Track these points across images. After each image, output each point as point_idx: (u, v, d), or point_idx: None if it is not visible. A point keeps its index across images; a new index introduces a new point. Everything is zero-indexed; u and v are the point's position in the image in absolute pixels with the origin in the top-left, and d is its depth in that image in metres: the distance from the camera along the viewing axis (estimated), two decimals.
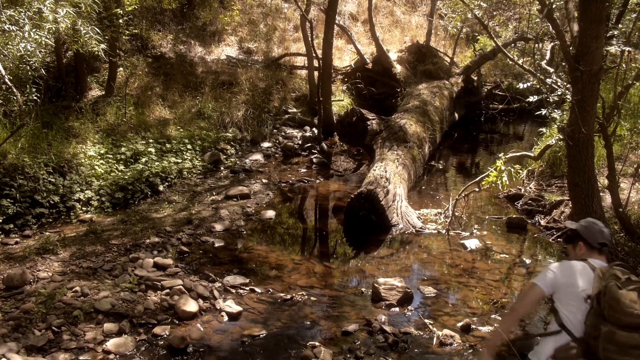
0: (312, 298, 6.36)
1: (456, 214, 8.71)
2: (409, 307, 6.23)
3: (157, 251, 7.28)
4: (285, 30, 17.91)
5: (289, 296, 6.35)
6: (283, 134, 13.35)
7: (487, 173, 8.32)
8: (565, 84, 6.52)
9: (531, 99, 7.22)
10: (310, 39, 13.58)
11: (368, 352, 5.33)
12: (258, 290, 6.49)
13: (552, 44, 12.40)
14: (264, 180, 10.52)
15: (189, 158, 10.75)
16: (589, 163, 5.94)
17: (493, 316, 6.04)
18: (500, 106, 16.00)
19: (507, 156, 8.20)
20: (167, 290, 6.21)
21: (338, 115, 13.28)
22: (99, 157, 9.50)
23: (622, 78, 6.65)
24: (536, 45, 8.37)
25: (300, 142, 12.93)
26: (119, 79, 12.19)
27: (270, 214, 8.90)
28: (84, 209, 8.51)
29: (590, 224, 3.46)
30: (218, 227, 8.25)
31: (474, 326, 5.81)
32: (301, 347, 5.39)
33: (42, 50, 7.29)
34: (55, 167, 8.61)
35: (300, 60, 16.23)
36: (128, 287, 6.15)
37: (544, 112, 6.84)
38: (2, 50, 6.45)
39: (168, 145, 10.81)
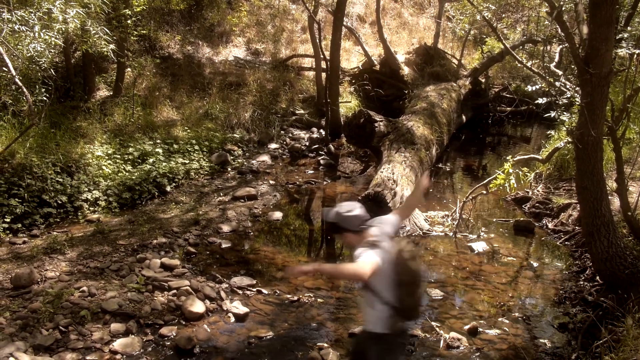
0: (318, 300, 6.36)
1: (463, 216, 8.69)
2: None
3: (164, 252, 7.30)
4: (293, 32, 17.92)
5: (295, 298, 6.34)
6: (290, 135, 13.36)
7: (494, 176, 8.30)
8: (574, 86, 6.49)
9: (540, 101, 7.18)
10: (318, 40, 13.59)
11: None
12: (265, 291, 6.49)
13: (560, 46, 12.36)
14: (271, 182, 10.52)
15: (197, 159, 10.76)
16: (598, 166, 5.89)
17: (500, 319, 6.02)
18: (509, 109, 15.96)
19: (514, 159, 8.17)
20: (174, 291, 6.22)
21: (345, 116, 13.26)
22: (106, 158, 9.53)
23: (631, 81, 6.61)
24: (545, 47, 8.33)
25: (307, 143, 12.93)
26: (126, 79, 12.22)
27: (278, 215, 8.90)
28: (91, 209, 8.54)
29: (342, 214, 3.67)
30: (225, 228, 8.26)
31: (481, 329, 5.79)
32: (308, 348, 5.39)
33: (52, 50, 7.31)
34: (63, 167, 8.64)
35: (308, 62, 16.23)
36: (135, 288, 6.16)
37: (552, 114, 6.80)
38: (12, 50, 6.48)
39: (175, 146, 10.83)
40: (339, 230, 3.71)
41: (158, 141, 10.73)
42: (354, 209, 3.71)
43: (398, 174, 9.13)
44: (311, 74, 15.77)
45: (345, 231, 3.68)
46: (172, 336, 5.44)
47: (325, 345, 5.43)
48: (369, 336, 3.70)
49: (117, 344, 5.20)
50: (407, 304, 3.59)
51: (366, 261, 3.36)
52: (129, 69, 12.11)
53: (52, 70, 7.96)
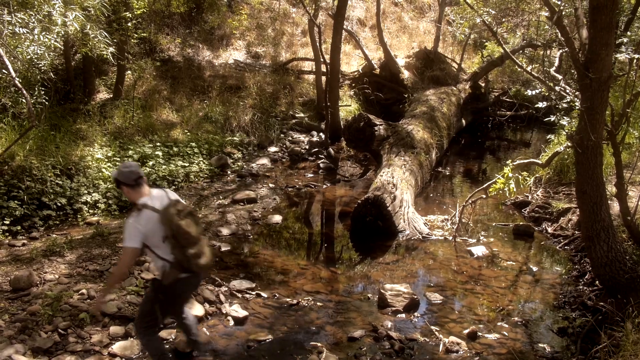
0: (318, 303, 6.35)
1: (463, 220, 8.69)
2: (415, 314, 6.21)
3: None
4: (293, 35, 17.95)
5: (295, 301, 6.34)
6: (290, 138, 13.37)
7: (494, 180, 8.29)
8: (574, 91, 6.50)
9: (540, 105, 7.18)
10: (318, 43, 13.60)
11: (374, 359, 5.31)
12: (264, 294, 6.48)
13: (560, 51, 12.37)
14: (270, 185, 10.52)
15: (196, 162, 10.76)
16: (598, 171, 5.89)
17: (499, 323, 6.01)
18: (508, 113, 15.97)
19: (514, 163, 8.17)
20: None
21: (345, 120, 13.27)
22: (106, 160, 9.53)
23: (631, 86, 6.62)
24: (545, 52, 8.35)
25: (307, 146, 12.94)
26: (127, 82, 12.23)
27: (277, 218, 8.90)
28: (90, 211, 8.53)
29: (121, 169, 4.32)
30: (225, 231, 8.25)
31: (480, 333, 5.78)
32: (307, 352, 5.38)
33: (51, 53, 7.31)
34: (62, 169, 8.63)
35: (308, 65, 16.25)
36: (134, 291, 6.14)
37: (552, 119, 6.81)
38: (12, 52, 6.48)
39: (175, 149, 10.83)
40: (119, 185, 4.34)
41: (158, 144, 10.73)
42: (131, 166, 4.34)
43: (398, 177, 9.14)
44: (311, 77, 15.78)
45: (123, 184, 4.29)
46: (171, 339, 5.43)
47: (324, 349, 5.41)
48: (153, 283, 4.54)
49: (116, 347, 5.18)
50: (180, 257, 4.21)
51: (122, 258, 4.28)
52: (129, 72, 12.12)
53: (52, 72, 7.97)
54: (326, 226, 9.25)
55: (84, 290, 5.99)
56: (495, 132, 16.22)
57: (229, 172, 11.01)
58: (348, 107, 14.69)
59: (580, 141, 5.82)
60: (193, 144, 11.21)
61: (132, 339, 5.36)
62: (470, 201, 8.66)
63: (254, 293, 6.50)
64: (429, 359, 5.39)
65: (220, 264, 7.28)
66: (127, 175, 4.27)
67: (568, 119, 7.45)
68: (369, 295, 6.62)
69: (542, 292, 6.89)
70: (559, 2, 6.45)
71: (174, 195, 4.46)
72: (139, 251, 4.24)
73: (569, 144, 6.73)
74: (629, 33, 7.06)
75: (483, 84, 16.28)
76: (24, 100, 6.91)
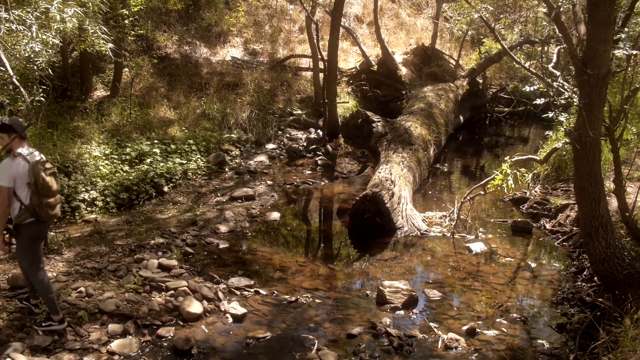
0: (316, 300, 6.35)
1: (461, 217, 8.69)
2: (414, 310, 6.22)
3: (162, 252, 7.28)
4: (290, 32, 17.92)
5: (293, 298, 6.34)
6: (288, 135, 13.35)
7: (492, 176, 8.29)
8: (572, 87, 6.49)
9: (537, 102, 7.18)
10: (315, 40, 13.58)
11: (373, 355, 5.31)
12: (263, 292, 6.48)
13: (558, 47, 12.35)
14: (268, 182, 10.51)
15: (194, 159, 10.74)
16: (596, 167, 5.90)
17: (498, 320, 6.02)
18: (506, 109, 15.97)
19: (512, 159, 8.17)
20: (172, 292, 6.21)
21: (343, 117, 13.27)
22: (103, 158, 9.51)
23: (629, 82, 6.62)
24: (543, 48, 8.34)
25: (305, 143, 12.93)
26: (124, 79, 12.20)
27: (275, 215, 8.89)
28: (88, 209, 8.50)
29: (18, 121, 5.05)
30: (223, 228, 8.25)
31: (479, 330, 5.79)
32: (305, 349, 5.38)
33: (49, 50, 7.27)
34: (60, 167, 8.60)
35: (306, 62, 16.23)
36: (133, 288, 6.14)
37: (550, 115, 6.80)
38: (10, 50, 6.45)
39: (173, 146, 10.81)
40: (10, 130, 4.95)
41: (155, 141, 10.71)
42: (24, 122, 5.13)
43: (396, 174, 9.14)
44: (309, 74, 15.77)
45: (14, 132, 4.96)
46: (170, 337, 5.42)
47: (323, 346, 5.42)
48: (12, 222, 5.09)
49: (115, 345, 5.18)
50: (35, 203, 4.94)
51: (0, 196, 4.88)
52: (126, 69, 12.09)
53: (49, 70, 7.93)
54: (324, 223, 9.25)
55: (82, 288, 5.98)
56: (493, 128, 16.22)
57: (226, 170, 10.99)
58: (346, 104, 14.68)
59: (578, 137, 5.83)
60: (191, 142, 11.19)
61: (130, 336, 5.36)
62: (468, 198, 8.66)
63: (252, 290, 6.50)
64: (428, 356, 5.40)
65: (218, 261, 7.27)
66: (23, 127, 5.04)
67: (566, 115, 7.43)
68: (368, 292, 6.63)
69: (541, 288, 6.90)
70: None
71: (44, 157, 5.21)
72: (12, 190, 4.92)
73: (567, 140, 6.73)
74: (626, 29, 7.05)
75: (481, 81, 16.29)
76: (21, 98, 6.89)
